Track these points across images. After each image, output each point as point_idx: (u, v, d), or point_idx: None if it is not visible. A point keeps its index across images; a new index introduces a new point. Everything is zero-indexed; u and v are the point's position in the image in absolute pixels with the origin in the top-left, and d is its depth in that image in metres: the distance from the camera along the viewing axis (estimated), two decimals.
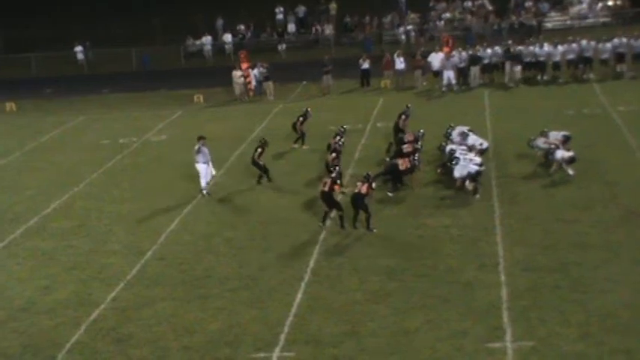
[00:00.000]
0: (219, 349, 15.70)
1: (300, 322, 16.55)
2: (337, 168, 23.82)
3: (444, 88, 38.32)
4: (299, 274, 18.84)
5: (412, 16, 55.53)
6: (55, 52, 53.94)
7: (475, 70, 39.08)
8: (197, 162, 25.20)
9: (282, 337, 15.96)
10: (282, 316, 16.80)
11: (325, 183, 22.07)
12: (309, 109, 30.48)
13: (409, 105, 29.81)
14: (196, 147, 25.17)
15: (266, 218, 22.99)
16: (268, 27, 57.46)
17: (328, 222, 21.92)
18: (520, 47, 39.39)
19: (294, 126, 30.03)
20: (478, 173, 23.52)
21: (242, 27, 57.18)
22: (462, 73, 39.21)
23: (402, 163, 24.13)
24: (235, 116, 36.27)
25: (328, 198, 21.87)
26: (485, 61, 39.27)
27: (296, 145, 29.76)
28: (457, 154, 24.22)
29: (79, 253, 21.38)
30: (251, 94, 40.58)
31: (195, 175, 25.39)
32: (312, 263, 19.49)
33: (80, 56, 55.62)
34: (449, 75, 38.64)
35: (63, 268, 20.35)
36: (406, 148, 25.66)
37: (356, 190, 21.66)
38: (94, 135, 35.01)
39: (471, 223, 21.29)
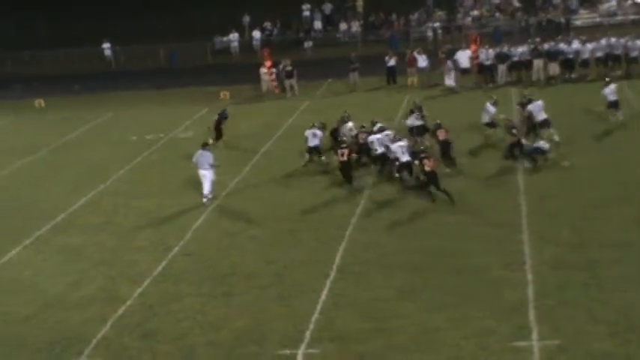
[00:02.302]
0: (245, 345, 15.75)
1: (326, 319, 16.57)
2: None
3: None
4: (325, 271, 18.85)
5: (439, 13, 55.35)
6: (84, 49, 54.25)
7: (502, 68, 38.88)
8: (199, 168, 24.45)
9: (308, 334, 15.98)
10: (308, 312, 16.82)
11: (343, 153, 24.25)
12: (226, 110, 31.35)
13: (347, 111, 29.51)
14: (198, 152, 24.53)
15: (292, 215, 23.03)
16: (295, 24, 57.49)
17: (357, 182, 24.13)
18: (549, 44, 39.11)
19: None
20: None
21: (268, 24, 57.26)
22: (488, 71, 39.03)
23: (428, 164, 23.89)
24: (262, 113, 36.33)
25: (348, 167, 24.43)
26: (515, 59, 39.03)
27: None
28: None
29: (106, 249, 21.53)
30: (277, 91, 40.79)
31: (223, 170, 25.42)
32: (337, 260, 19.50)
33: (108, 53, 55.94)
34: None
35: (91, 264, 20.51)
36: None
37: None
38: (121, 131, 35.23)
39: (498, 221, 21.20)
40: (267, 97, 40.18)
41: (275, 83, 40.99)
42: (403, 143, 25.11)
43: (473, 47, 39.95)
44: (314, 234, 21.38)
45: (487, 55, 39.20)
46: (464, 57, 39.74)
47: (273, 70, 41.02)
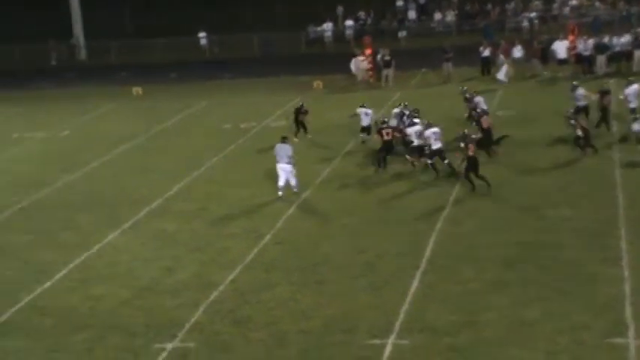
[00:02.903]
0: (334, 334, 15.80)
1: (416, 310, 16.50)
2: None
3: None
4: (415, 263, 18.77)
5: (536, 2, 54.35)
6: (180, 38, 55.16)
7: (601, 59, 37.97)
8: (278, 162, 24.11)
9: (398, 324, 15.93)
10: (398, 303, 16.77)
11: (388, 133, 25.55)
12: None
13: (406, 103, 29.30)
14: (277, 145, 24.27)
15: (383, 205, 23.00)
16: (389, 14, 57.28)
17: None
18: None
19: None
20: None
21: (362, 14, 57.20)
22: (586, 62, 38.18)
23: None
24: (354, 103, 36.22)
25: (390, 148, 25.56)
26: (617, 49, 38.08)
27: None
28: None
29: (199, 235, 21.87)
30: (371, 80, 40.84)
31: (316, 160, 25.54)
32: (428, 252, 19.39)
33: (203, 42, 56.71)
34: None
35: (185, 250, 20.86)
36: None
37: None
38: (216, 119, 35.72)
39: (594, 215, 20.78)
40: (360, 86, 40.16)
41: (371, 72, 41.05)
42: (436, 130, 25.24)
43: (570, 37, 39.16)
44: (404, 225, 21.31)
45: (585, 45, 38.38)
46: (561, 47, 39.01)
47: (371, 58, 41.18)
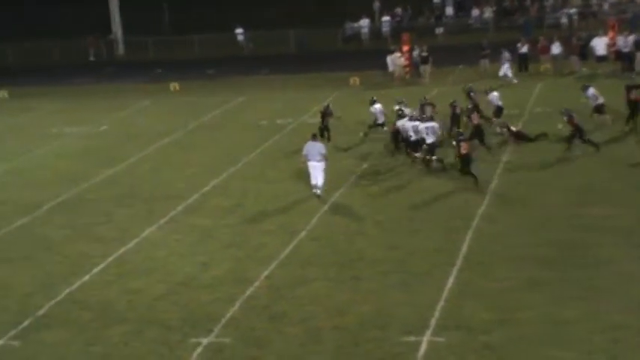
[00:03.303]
0: (369, 330, 15.81)
1: (452, 307, 16.46)
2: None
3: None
4: (451, 260, 18.72)
5: None
6: (217, 34, 55.40)
7: None
8: (309, 160, 23.92)
9: (433, 321, 15.90)
10: (433, 300, 16.74)
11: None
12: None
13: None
14: (308, 144, 24.08)
15: (418, 201, 22.96)
16: (426, 10, 57.08)
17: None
18: None
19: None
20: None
21: (399, 10, 57.05)
22: (626, 59, 37.76)
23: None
24: (390, 100, 36.22)
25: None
26: None
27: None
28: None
29: (235, 231, 21.97)
30: (408, 76, 40.79)
31: (350, 157, 25.52)
32: (464, 249, 19.32)
33: (241, 38, 56.93)
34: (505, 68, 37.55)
35: (220, 246, 20.97)
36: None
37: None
38: (252, 115, 35.84)
39: (631, 213, 20.58)
40: (397, 83, 40.08)
41: (408, 69, 41.00)
42: (430, 124, 25.52)
43: (610, 34, 38.75)
44: (439, 222, 21.26)
45: (625, 42, 37.96)
46: (600, 44, 38.63)
47: (408, 54, 41.15)
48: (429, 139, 25.33)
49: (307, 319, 16.46)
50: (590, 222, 20.42)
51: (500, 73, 37.66)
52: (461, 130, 26.60)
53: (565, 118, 25.88)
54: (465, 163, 23.84)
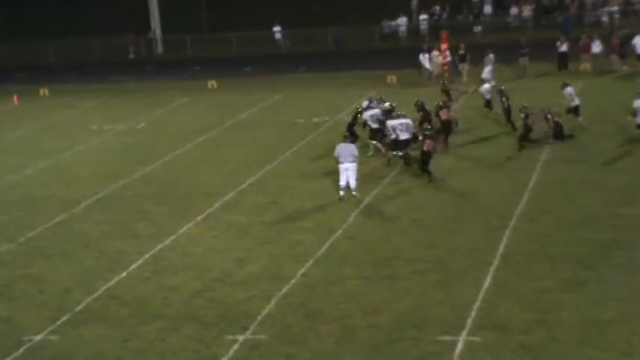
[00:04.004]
0: (405, 329, 15.75)
1: (488, 307, 16.35)
2: None
3: None
4: (488, 259, 18.59)
5: None
6: (254, 32, 55.54)
7: None
8: (341, 162, 23.48)
9: (470, 321, 15.80)
10: (470, 300, 16.64)
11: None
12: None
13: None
14: (340, 145, 23.79)
15: (455, 201, 22.84)
16: (464, 8, 56.79)
17: None
18: None
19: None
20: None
21: (437, 8, 56.82)
22: None
23: None
24: (427, 99, 36.07)
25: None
26: None
27: None
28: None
29: (271, 228, 22.00)
30: (446, 74, 40.61)
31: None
32: (501, 248, 19.19)
33: (278, 36, 57.03)
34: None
35: (256, 243, 21.02)
36: None
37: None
38: (289, 113, 35.88)
39: None
40: (434, 81, 39.87)
41: (446, 67, 40.82)
42: (404, 121, 25.83)
43: None
44: (477, 221, 21.13)
45: None
46: None
47: (448, 53, 40.95)
48: (403, 136, 25.71)
49: (342, 317, 16.44)
50: (631, 222, 20.18)
51: (483, 75, 36.86)
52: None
53: (522, 116, 26.27)
54: (424, 160, 24.27)
